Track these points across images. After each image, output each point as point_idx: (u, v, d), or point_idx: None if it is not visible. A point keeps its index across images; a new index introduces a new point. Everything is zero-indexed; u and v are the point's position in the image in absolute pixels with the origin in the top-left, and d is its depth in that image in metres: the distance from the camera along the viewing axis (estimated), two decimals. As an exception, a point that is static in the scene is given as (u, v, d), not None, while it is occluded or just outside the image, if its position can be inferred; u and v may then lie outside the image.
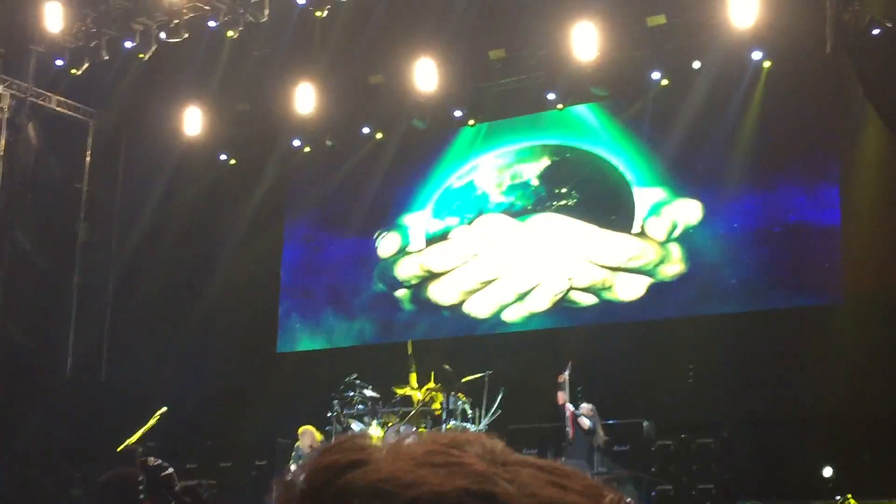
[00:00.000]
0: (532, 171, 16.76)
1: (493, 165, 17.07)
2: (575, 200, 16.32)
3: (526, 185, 16.75)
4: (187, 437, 16.03)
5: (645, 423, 13.23)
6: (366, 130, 17.43)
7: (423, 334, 16.90)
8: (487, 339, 16.27)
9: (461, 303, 16.85)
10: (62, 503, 14.94)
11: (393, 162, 17.46)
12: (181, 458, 14.12)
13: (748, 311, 14.71)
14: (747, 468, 13.28)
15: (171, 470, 10.73)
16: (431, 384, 14.25)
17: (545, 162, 16.71)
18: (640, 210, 15.87)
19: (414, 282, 17.30)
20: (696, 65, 14.93)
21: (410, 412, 13.98)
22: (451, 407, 14.16)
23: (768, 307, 14.57)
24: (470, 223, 17.10)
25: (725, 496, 12.65)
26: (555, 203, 16.46)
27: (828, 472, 12.23)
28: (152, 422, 12.42)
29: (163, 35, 15.70)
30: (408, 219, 17.53)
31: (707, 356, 14.32)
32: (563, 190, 16.45)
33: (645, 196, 15.89)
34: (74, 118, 18.12)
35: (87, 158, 18.36)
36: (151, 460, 10.72)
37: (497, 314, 16.55)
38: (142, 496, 10.21)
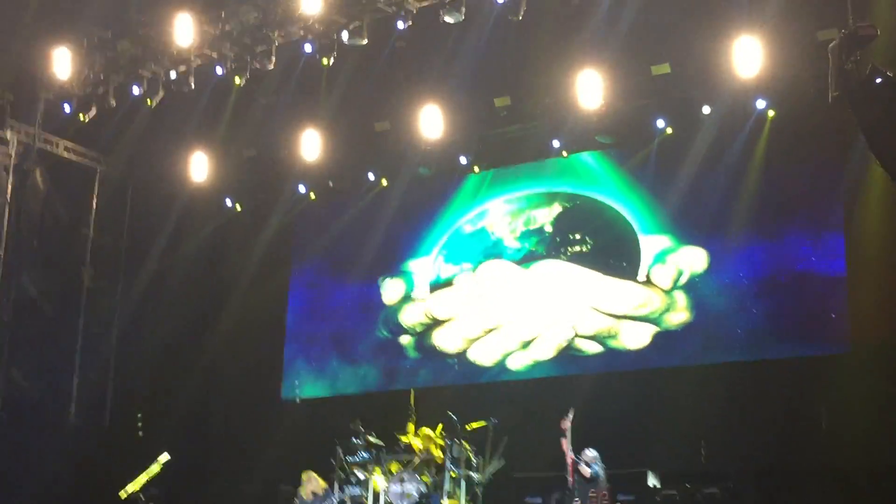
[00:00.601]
0: (545, 216, 16.76)
1: (504, 211, 17.08)
2: (589, 247, 16.32)
3: (540, 230, 16.74)
4: (190, 483, 15.98)
5: (649, 474, 13.13)
6: (371, 177, 17.50)
7: (428, 382, 16.88)
8: (492, 386, 16.22)
9: (465, 350, 16.82)
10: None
11: (398, 208, 17.53)
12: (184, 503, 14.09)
13: (754, 360, 14.64)
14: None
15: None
16: (432, 433, 14.18)
17: (557, 208, 16.72)
18: (646, 258, 15.88)
19: (418, 329, 17.28)
20: (704, 110, 15.00)
21: (413, 460, 13.93)
22: (455, 455, 14.11)
23: (774, 357, 14.51)
24: (474, 270, 17.11)
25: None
26: (570, 249, 16.43)
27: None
28: (156, 468, 12.39)
29: (172, 78, 15.81)
30: (412, 265, 17.55)
31: (712, 405, 14.24)
32: (577, 236, 16.44)
33: (650, 244, 15.89)
34: (82, 164, 18.18)
35: (94, 204, 18.41)
36: (154, 508, 10.71)
37: (501, 362, 16.52)
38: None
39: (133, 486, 12.28)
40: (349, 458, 14.37)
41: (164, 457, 12.54)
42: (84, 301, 18.20)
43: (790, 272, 14.67)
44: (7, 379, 16.95)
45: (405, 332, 17.38)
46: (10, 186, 17.25)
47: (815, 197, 14.63)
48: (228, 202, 18.43)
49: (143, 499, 11.10)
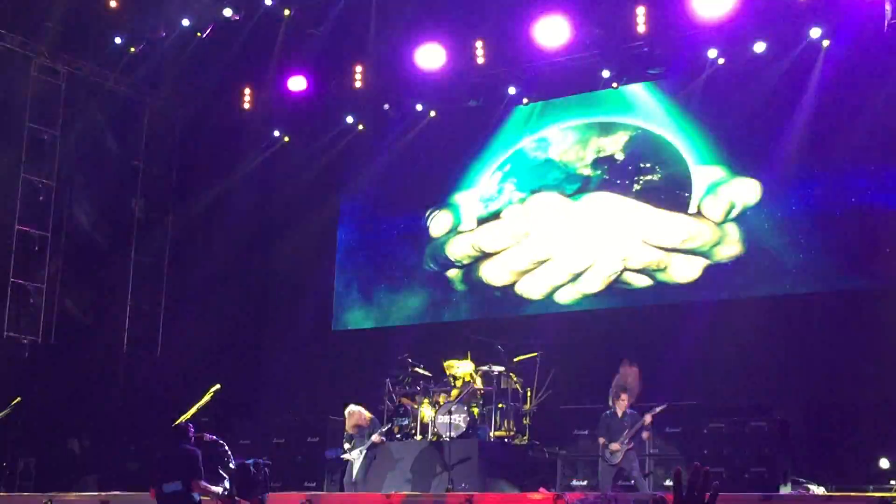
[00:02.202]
0: (614, 145, 16.52)
1: (568, 139, 16.85)
2: (660, 176, 16.09)
3: (611, 158, 16.50)
4: (240, 413, 16.18)
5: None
6: (419, 108, 17.40)
7: (475, 314, 16.92)
8: (539, 318, 16.21)
9: (513, 283, 16.81)
10: (119, 476, 15.14)
11: (446, 140, 17.44)
12: (235, 434, 14.27)
13: (805, 293, 14.51)
14: (801, 452, 13.13)
15: (225, 446, 10.86)
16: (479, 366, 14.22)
17: (623, 137, 16.45)
18: (698, 190, 15.70)
19: (466, 261, 17.29)
20: (757, 46, 14.73)
21: (461, 391, 13.99)
22: (502, 387, 14.17)
23: (825, 290, 14.36)
24: (523, 202, 17.03)
25: (778, 480, 12.51)
26: (642, 178, 16.21)
27: (884, 464, 12.06)
28: (206, 398, 12.52)
29: (225, 12, 15.73)
30: (460, 197, 17.50)
31: (762, 339, 14.15)
32: (647, 165, 16.22)
33: (703, 175, 15.70)
34: (131, 95, 18.26)
35: (144, 136, 18.51)
36: (206, 437, 10.85)
37: (549, 295, 16.49)
38: (199, 472, 10.35)
39: (185, 416, 12.43)
40: (398, 390, 14.47)
41: (216, 387, 12.68)
42: (135, 232, 18.39)
43: (844, 205, 14.45)
44: (61, 310, 17.21)
45: (452, 264, 17.40)
46: (60, 119, 17.38)
47: (871, 129, 14.33)
48: (276, 133, 18.43)
49: (195, 427, 11.22)
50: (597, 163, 16.59)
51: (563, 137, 16.90)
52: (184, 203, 18.65)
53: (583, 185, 16.60)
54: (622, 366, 13.25)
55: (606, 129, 16.59)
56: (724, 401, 13.77)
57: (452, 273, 17.39)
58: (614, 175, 16.39)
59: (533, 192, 16.98)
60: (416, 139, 17.64)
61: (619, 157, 16.44)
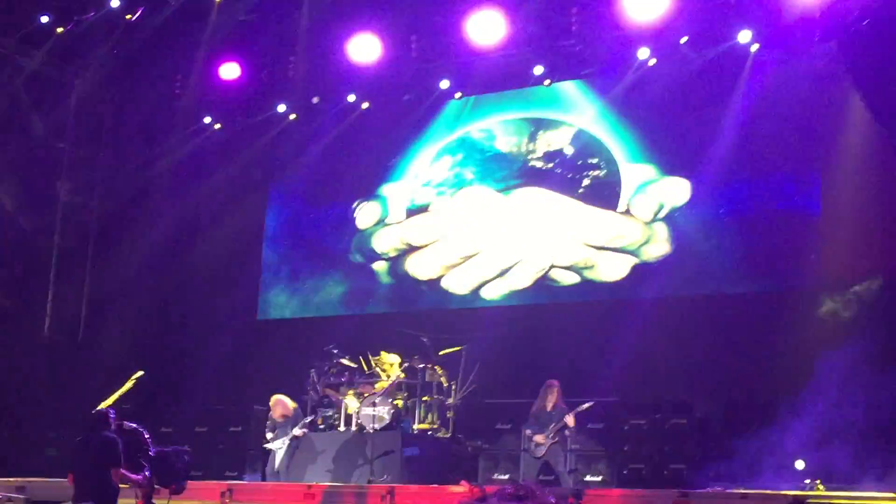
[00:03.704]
0: (562, 139, 16.55)
1: (511, 132, 16.85)
2: (589, 173, 16.15)
3: (560, 152, 16.53)
4: (163, 401, 16.04)
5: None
6: (352, 99, 17.33)
7: (400, 307, 16.93)
8: (465, 313, 16.26)
9: (440, 277, 16.83)
10: (37, 463, 14.92)
11: (377, 132, 17.40)
12: (156, 422, 14.13)
13: (730, 294, 14.71)
14: (720, 450, 13.34)
15: (145, 434, 10.75)
16: (403, 359, 14.24)
17: (568, 132, 16.51)
18: (627, 188, 15.84)
19: (392, 254, 17.27)
20: (688, 50, 14.92)
21: (385, 384, 14.00)
22: (427, 380, 14.22)
23: (750, 291, 14.58)
24: (452, 196, 17.05)
25: (697, 476, 12.69)
26: (590, 174, 16.26)
27: (800, 465, 12.29)
28: (129, 385, 12.40)
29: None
30: (388, 189, 17.48)
31: (686, 338, 14.33)
32: (578, 162, 16.27)
33: (633, 173, 15.84)
34: (58, 76, 17.93)
35: (71, 118, 18.20)
36: (126, 424, 10.73)
37: (476, 290, 16.54)
38: (118, 460, 10.23)
39: (106, 403, 12.29)
40: (323, 381, 14.45)
41: (138, 374, 12.56)
42: (59, 215, 18.09)
43: (770, 210, 14.67)
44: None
45: (379, 257, 17.37)
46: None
47: (798, 136, 14.57)
48: (208, 119, 18.26)
49: (116, 414, 11.09)
50: (525, 159, 16.67)
51: (496, 132, 16.95)
52: (111, 187, 18.38)
53: (513, 181, 16.66)
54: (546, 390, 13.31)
55: (538, 125, 16.68)
56: (646, 398, 13.94)
57: (379, 265, 17.36)
58: (544, 172, 16.48)
59: (463, 186, 17.01)
60: (348, 130, 17.57)
61: (548, 153, 16.53)
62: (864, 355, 11.89)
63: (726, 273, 14.85)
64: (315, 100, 17.37)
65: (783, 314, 13.92)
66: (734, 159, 14.91)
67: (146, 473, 10.26)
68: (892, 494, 10.10)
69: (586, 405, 13.03)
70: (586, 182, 16.14)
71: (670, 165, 15.57)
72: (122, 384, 12.31)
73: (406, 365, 14.21)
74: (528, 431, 13.20)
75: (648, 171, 15.73)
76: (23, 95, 17.31)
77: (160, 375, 15.18)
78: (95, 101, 18.33)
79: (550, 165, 16.44)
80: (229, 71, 16.97)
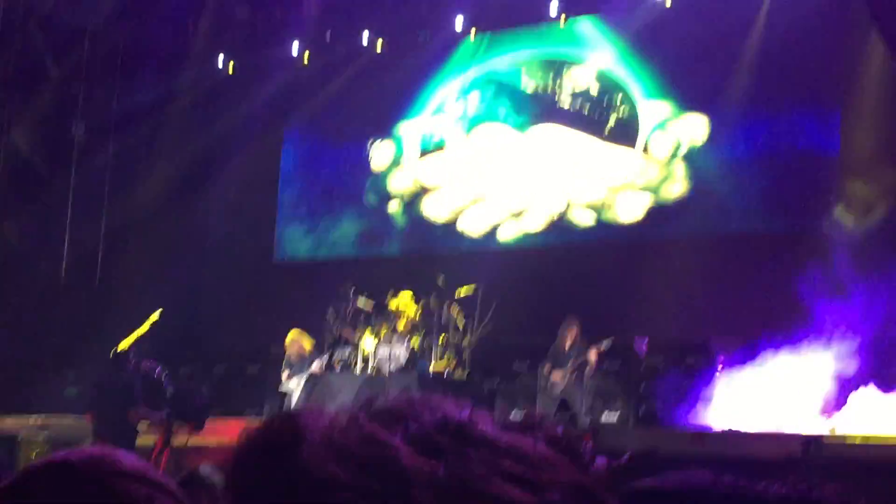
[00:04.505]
0: (566, 80, 16.34)
1: (531, 72, 16.70)
2: (607, 111, 15.99)
3: (587, 92, 16.34)
4: (181, 341, 16.10)
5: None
6: (366, 38, 17.19)
7: (415, 248, 16.90)
8: (481, 254, 16.22)
9: (455, 219, 16.77)
10: (57, 403, 15.05)
11: (392, 71, 17.26)
12: (175, 362, 14.20)
13: (748, 234, 14.62)
14: (737, 389, 13.32)
15: (163, 374, 10.83)
16: (419, 298, 14.23)
17: (572, 71, 16.33)
18: (645, 126, 15.69)
19: (407, 195, 17.20)
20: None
21: (402, 323, 14.02)
22: (443, 320, 14.22)
23: (768, 231, 14.49)
24: (467, 133, 16.93)
25: (714, 416, 12.70)
26: (589, 113, 16.08)
27: (816, 405, 12.26)
28: (146, 326, 12.47)
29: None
30: (403, 128, 17.37)
31: (703, 278, 14.27)
32: (595, 100, 16.12)
33: (651, 110, 15.68)
34: (72, 18, 17.82)
35: (85, 59, 18.12)
36: (145, 364, 10.81)
37: (491, 231, 16.49)
38: (137, 399, 10.33)
39: (124, 344, 12.36)
40: (339, 320, 14.47)
41: (155, 314, 12.62)
42: (75, 157, 18.09)
43: (788, 149, 14.52)
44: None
45: (393, 198, 17.31)
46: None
47: (815, 72, 14.39)
48: (221, 62, 18.14)
49: (134, 355, 11.15)
50: (541, 98, 16.54)
51: (512, 71, 16.81)
52: (125, 129, 18.33)
53: (529, 118, 16.53)
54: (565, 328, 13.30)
55: (553, 64, 16.51)
56: (663, 338, 13.91)
57: (393, 207, 17.31)
58: (561, 110, 16.34)
59: (478, 124, 16.88)
60: (363, 70, 17.44)
61: (564, 91, 16.38)
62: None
63: (745, 213, 14.76)
64: (328, 36, 17.23)
65: (802, 254, 13.82)
66: (753, 96, 14.75)
67: (164, 412, 10.36)
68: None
69: (606, 342, 13.02)
70: (603, 119, 15.98)
71: (689, 101, 15.40)
72: (140, 324, 12.37)
73: (422, 304, 14.21)
74: (546, 367, 13.23)
75: (667, 107, 15.57)
76: (37, 37, 17.22)
77: (178, 315, 15.21)
78: (108, 42, 18.21)
79: (567, 104, 16.29)
80: (242, 11, 16.87)
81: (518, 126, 16.59)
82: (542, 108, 16.44)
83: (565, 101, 16.30)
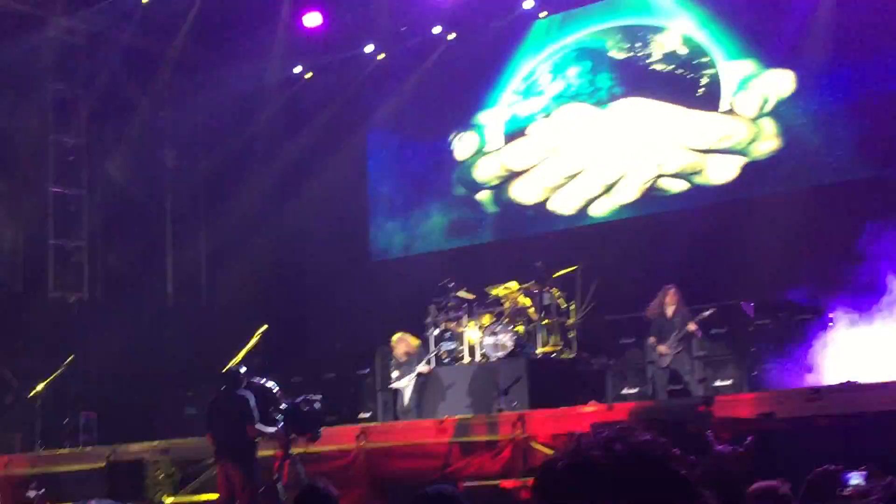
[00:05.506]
0: (654, 47, 16.17)
1: (611, 45, 16.54)
2: (689, 76, 15.77)
3: (654, 59, 16.15)
4: (290, 351, 16.35)
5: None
6: (437, 31, 17.22)
7: (508, 234, 16.90)
8: (575, 232, 16.15)
9: (545, 200, 16.72)
10: (178, 422, 15.42)
11: (466, 61, 17.26)
12: (285, 372, 14.45)
13: (846, 181, 14.29)
14: (848, 343, 13.06)
15: (276, 388, 11.02)
16: (520, 284, 14.23)
17: (651, 38, 16.16)
18: (728, 86, 15.45)
19: (495, 182, 17.21)
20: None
21: (505, 311, 14.03)
22: (545, 303, 14.17)
23: (869, 177, 14.14)
24: (548, 115, 16.86)
25: (828, 372, 12.48)
26: (670, 79, 15.90)
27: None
28: (254, 340, 12.67)
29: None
30: (483, 117, 17.37)
31: (804, 232, 13.99)
32: (675, 66, 15.91)
33: (732, 70, 15.43)
34: (150, 47, 18.18)
35: (166, 87, 18.45)
36: (256, 381, 11.00)
37: (583, 209, 16.41)
38: (253, 415, 10.52)
39: (234, 360, 12.61)
40: (441, 316, 14.52)
41: (262, 328, 12.83)
42: (168, 181, 18.47)
43: (878, 91, 14.16)
44: (105, 265, 17.41)
45: (481, 186, 17.33)
46: (83, 77, 17.39)
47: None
48: (297, 69, 18.34)
49: (244, 371, 11.38)
50: (620, 70, 16.37)
51: (588, 46, 16.67)
52: (213, 149, 18.67)
53: (610, 93, 16.39)
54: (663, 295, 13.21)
55: (629, 33, 16.33)
56: (769, 298, 13.70)
57: (482, 195, 17.33)
58: (641, 81, 16.15)
59: (559, 104, 16.80)
60: (437, 63, 17.49)
61: (642, 60, 16.18)
62: None
63: (840, 162, 14.44)
64: (403, 28, 17.30)
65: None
66: (835, 43, 14.41)
67: (280, 426, 10.54)
68: None
69: (707, 312, 12.90)
70: (696, 80, 15.74)
71: (771, 58, 15.12)
72: (248, 341, 12.59)
73: (523, 289, 14.19)
74: (652, 339, 13.15)
75: (749, 66, 15.31)
76: (120, 68, 17.59)
77: (283, 327, 15.45)
78: (186, 66, 18.53)
79: (647, 73, 16.11)
80: (312, 19, 17.03)
81: (597, 102, 16.45)
82: (635, 73, 16.18)
83: (644, 72, 16.10)
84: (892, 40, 14.10)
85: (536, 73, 17.02)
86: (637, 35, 16.25)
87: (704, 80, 15.60)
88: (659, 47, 16.06)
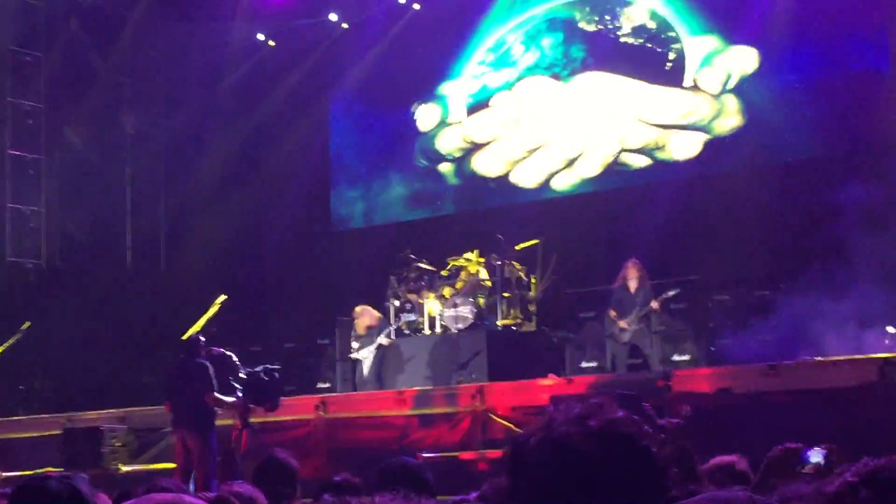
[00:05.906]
0: (619, 20, 16.14)
1: (584, 15, 16.51)
2: (651, 50, 15.75)
3: (619, 32, 16.11)
4: (249, 320, 16.28)
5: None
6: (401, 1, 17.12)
7: (470, 206, 16.88)
8: (537, 206, 16.15)
9: (507, 173, 16.70)
10: (135, 389, 15.33)
11: (430, 31, 17.16)
12: (245, 341, 14.38)
13: (806, 159, 14.39)
14: (807, 319, 13.18)
15: (234, 357, 10.96)
16: (480, 257, 14.24)
17: (615, 11, 16.14)
18: (692, 62, 15.46)
19: (457, 154, 17.16)
20: None
21: (465, 283, 14.03)
22: (506, 276, 14.19)
23: (828, 155, 14.24)
24: (511, 88, 16.81)
25: (786, 348, 12.59)
26: (632, 54, 15.89)
27: (891, 329, 12.10)
28: (213, 309, 12.60)
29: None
30: (446, 87, 17.29)
31: (764, 209, 14.08)
32: (639, 40, 15.89)
33: (696, 46, 15.44)
34: (112, 10, 17.93)
35: (127, 51, 18.23)
36: (215, 350, 10.94)
37: (546, 182, 16.40)
38: (211, 384, 10.46)
39: (193, 329, 12.52)
40: (403, 287, 14.51)
41: (221, 297, 12.75)
42: (128, 147, 18.28)
43: (840, 72, 14.23)
44: (62, 231, 17.22)
45: (444, 158, 17.28)
46: (42, 40, 17.15)
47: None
48: (261, 37, 18.18)
49: (204, 340, 11.30)
50: (583, 43, 16.34)
51: (549, 20, 16.62)
52: (174, 115, 18.49)
53: (573, 67, 16.36)
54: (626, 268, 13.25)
55: (599, 4, 16.27)
56: (728, 274, 13.79)
57: (445, 167, 17.28)
58: (603, 54, 16.14)
59: (521, 77, 16.75)
60: (401, 33, 17.37)
61: (605, 34, 16.14)
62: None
63: (801, 139, 14.51)
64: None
65: (860, 174, 13.58)
66: (799, 22, 14.44)
67: (239, 395, 10.49)
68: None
69: (672, 292, 12.97)
70: (648, 59, 15.75)
71: (735, 34, 15.14)
72: (207, 309, 12.51)
73: (484, 262, 14.20)
74: (613, 313, 13.20)
75: (712, 41, 15.33)
76: (80, 32, 17.35)
77: (243, 296, 15.38)
78: (148, 32, 18.30)
79: (618, 46, 16.06)
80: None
81: (561, 75, 16.41)
82: (607, 45, 16.11)
83: (628, 38, 16.00)
84: (855, 20, 14.16)
85: (507, 42, 16.94)
86: (606, 7, 16.22)
87: (672, 55, 15.61)
88: (628, 20, 16.04)
